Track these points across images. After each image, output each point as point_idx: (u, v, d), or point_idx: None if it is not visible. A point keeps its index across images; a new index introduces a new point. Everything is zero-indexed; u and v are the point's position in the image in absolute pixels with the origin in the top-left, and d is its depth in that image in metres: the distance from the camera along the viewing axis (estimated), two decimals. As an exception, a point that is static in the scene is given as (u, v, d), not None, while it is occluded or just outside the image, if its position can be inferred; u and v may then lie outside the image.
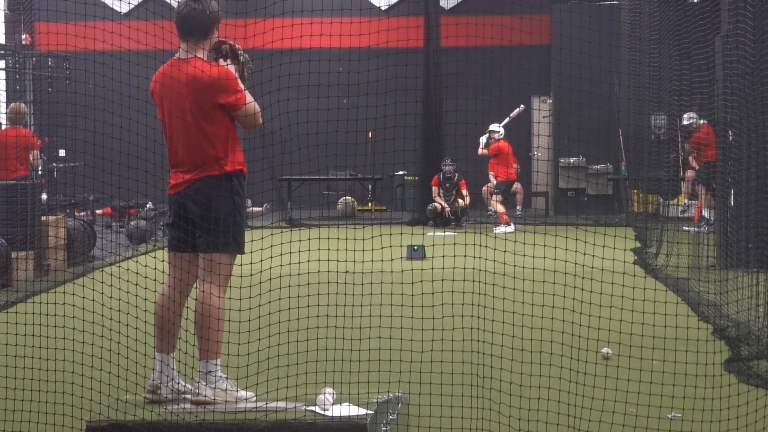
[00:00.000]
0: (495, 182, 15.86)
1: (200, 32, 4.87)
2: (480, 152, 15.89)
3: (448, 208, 16.29)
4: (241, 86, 4.86)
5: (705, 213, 13.11)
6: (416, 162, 17.55)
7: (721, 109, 9.42)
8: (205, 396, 4.71)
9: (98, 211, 17.12)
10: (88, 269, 10.17)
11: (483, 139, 15.81)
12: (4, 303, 8.42)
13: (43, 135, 14.38)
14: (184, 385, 4.91)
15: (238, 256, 4.95)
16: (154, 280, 5.17)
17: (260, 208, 18.52)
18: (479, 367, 5.28)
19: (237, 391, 4.80)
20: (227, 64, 4.94)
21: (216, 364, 4.78)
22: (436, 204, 16.38)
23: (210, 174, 4.82)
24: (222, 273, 4.81)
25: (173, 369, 4.87)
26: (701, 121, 13.41)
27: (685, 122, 13.30)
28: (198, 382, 4.77)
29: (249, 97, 4.87)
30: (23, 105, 12.10)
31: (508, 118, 15.60)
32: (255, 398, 4.79)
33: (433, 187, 16.55)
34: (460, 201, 16.34)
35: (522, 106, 15.27)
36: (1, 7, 18.72)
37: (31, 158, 11.25)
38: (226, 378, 4.81)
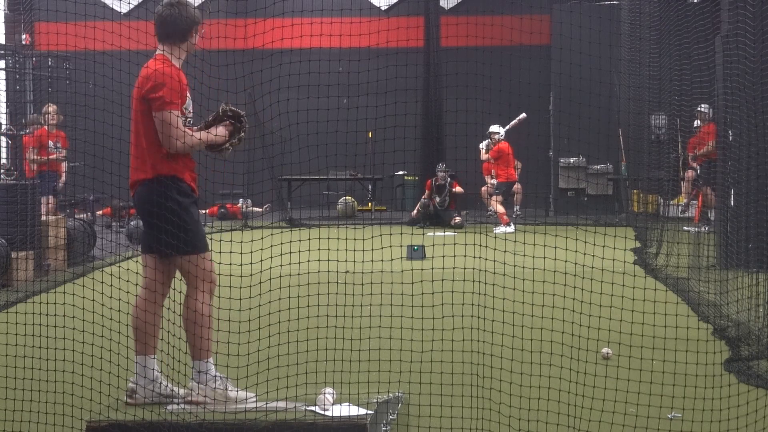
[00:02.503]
0: (495, 183, 15.85)
1: (177, 36, 4.86)
2: (483, 158, 15.86)
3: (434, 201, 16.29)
4: (173, 95, 4.67)
5: (706, 213, 13.10)
6: (416, 162, 17.56)
7: (721, 109, 9.42)
8: (198, 395, 4.70)
9: (98, 213, 17.12)
10: (88, 269, 10.16)
11: (483, 146, 15.76)
12: (4, 303, 8.42)
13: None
14: (170, 388, 4.84)
15: (238, 255, 4.94)
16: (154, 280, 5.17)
17: (260, 209, 18.53)
18: (479, 367, 5.28)
19: (236, 390, 4.80)
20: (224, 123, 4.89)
21: (207, 362, 4.77)
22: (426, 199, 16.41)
23: (144, 178, 4.77)
24: (191, 275, 4.78)
25: (153, 370, 4.82)
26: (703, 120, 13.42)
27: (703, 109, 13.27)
28: (192, 380, 4.78)
29: (176, 118, 4.65)
30: (50, 106, 12.65)
31: (508, 126, 15.51)
32: (255, 398, 4.78)
33: (426, 192, 16.59)
34: (458, 219, 16.22)
35: (524, 114, 15.22)
36: (1, 7, 18.74)
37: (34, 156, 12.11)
38: (221, 377, 4.81)
